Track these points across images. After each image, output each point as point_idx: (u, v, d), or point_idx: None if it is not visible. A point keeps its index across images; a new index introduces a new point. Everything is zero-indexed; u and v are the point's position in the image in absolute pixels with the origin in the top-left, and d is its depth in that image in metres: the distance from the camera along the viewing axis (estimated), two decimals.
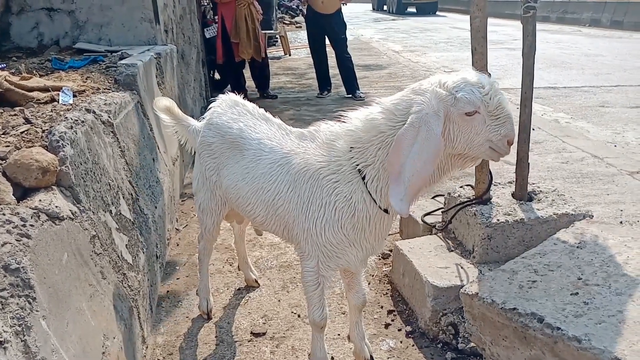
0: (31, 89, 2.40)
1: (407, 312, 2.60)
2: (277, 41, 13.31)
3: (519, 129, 2.47)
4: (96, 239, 1.92)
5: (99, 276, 1.87)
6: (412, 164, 1.57)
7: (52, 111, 2.17)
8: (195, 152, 2.43)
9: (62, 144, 1.81)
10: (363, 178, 1.76)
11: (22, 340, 1.26)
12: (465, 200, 2.65)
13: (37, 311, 1.35)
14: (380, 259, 3.11)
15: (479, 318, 1.96)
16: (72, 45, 4.10)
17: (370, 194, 1.76)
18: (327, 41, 7.38)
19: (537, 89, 5.41)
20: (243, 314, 2.65)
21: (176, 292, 2.87)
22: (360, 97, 7.22)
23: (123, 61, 3.31)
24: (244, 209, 2.16)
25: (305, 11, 7.48)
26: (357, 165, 1.76)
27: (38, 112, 2.17)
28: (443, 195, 3.03)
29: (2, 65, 3.03)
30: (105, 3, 4.12)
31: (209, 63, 7.59)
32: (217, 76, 8.27)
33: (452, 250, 2.62)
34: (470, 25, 2.42)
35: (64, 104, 2.32)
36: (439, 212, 2.97)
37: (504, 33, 15.11)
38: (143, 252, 2.50)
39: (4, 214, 1.44)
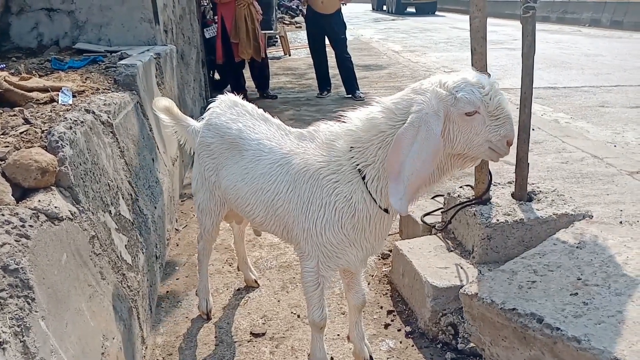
0: (30, 90, 2.40)
1: (406, 312, 2.60)
2: (277, 41, 13.31)
3: (519, 129, 2.47)
4: (95, 239, 1.92)
5: (99, 276, 1.87)
6: (412, 163, 1.57)
7: (51, 111, 2.17)
8: (194, 153, 2.43)
9: (61, 144, 1.81)
10: (363, 178, 1.76)
11: (21, 341, 1.26)
12: (465, 200, 2.65)
13: (36, 312, 1.35)
14: (379, 259, 3.11)
15: (479, 318, 1.95)
16: (72, 45, 4.10)
17: (371, 194, 1.76)
18: (327, 41, 7.38)
19: (537, 89, 5.43)
20: (242, 314, 2.64)
21: (176, 292, 2.87)
22: (360, 97, 7.22)
23: (122, 61, 3.31)
24: (243, 210, 2.15)
25: (305, 11, 7.48)
26: (357, 165, 1.76)
27: (37, 112, 2.17)
28: (443, 196, 3.02)
29: (2, 66, 3.03)
30: (105, 3, 4.12)
31: (209, 63, 7.58)
32: (216, 76, 8.26)
33: (451, 251, 2.62)
34: (470, 25, 2.42)
35: (64, 105, 2.32)
36: (439, 212, 2.96)
37: (504, 33, 15.10)
38: (142, 253, 2.50)
39: (3, 215, 1.44)
